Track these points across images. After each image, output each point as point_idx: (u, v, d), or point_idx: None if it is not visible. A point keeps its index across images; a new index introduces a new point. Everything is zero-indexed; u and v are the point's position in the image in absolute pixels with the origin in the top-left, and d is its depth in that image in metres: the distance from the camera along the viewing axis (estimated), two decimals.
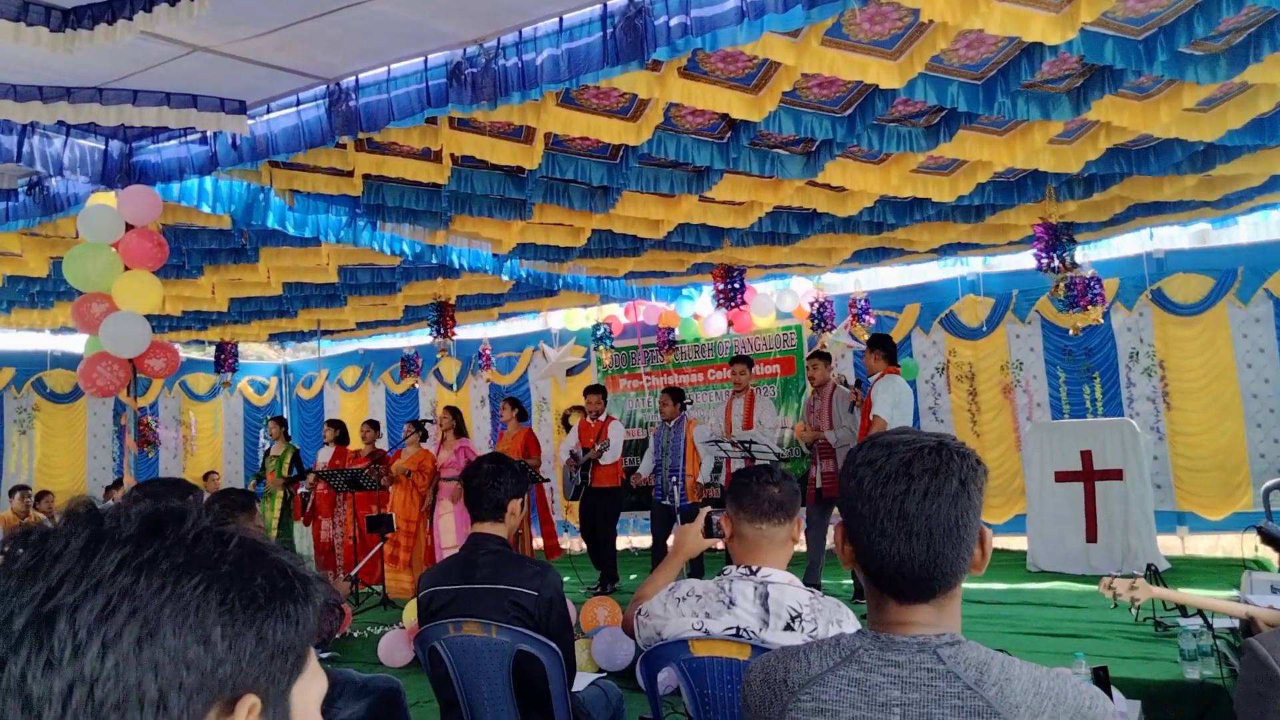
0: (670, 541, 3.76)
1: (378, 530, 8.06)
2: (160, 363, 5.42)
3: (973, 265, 9.70)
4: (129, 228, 5.35)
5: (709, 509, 2.78)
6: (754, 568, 2.43)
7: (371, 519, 8.19)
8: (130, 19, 3.56)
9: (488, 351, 11.49)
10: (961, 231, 7.88)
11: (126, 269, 5.33)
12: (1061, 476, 7.47)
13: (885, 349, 6.45)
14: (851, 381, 9.61)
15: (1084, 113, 5.21)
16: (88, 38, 3.68)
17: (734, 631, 2.38)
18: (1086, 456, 7.37)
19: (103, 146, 5.32)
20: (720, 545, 2.85)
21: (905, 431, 1.40)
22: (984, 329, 9.41)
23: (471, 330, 12.10)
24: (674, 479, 7.55)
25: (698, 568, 7.05)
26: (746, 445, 6.66)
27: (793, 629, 2.35)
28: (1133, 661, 4.65)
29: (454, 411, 8.63)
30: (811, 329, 9.57)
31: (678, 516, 7.57)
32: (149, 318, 5.43)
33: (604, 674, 3.85)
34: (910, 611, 1.35)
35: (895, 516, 1.32)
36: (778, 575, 2.42)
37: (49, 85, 4.46)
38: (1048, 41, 4.20)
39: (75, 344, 11.66)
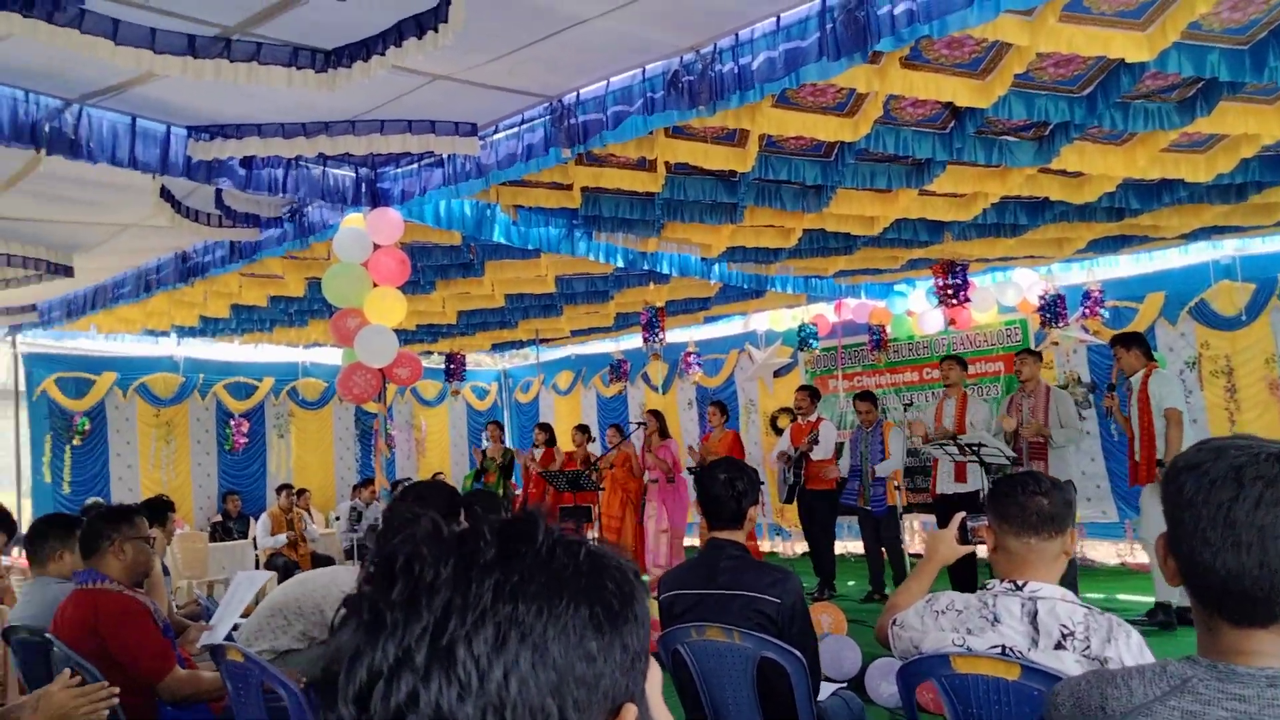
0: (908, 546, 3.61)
1: (573, 519, 8.38)
2: (406, 371, 5.85)
3: (1225, 249, 8.75)
4: (376, 247, 5.82)
5: (964, 514, 2.64)
6: (1020, 582, 2.29)
7: (565, 509, 8.51)
8: (383, 54, 3.86)
9: (690, 356, 11.59)
10: (1218, 213, 7.11)
11: (375, 285, 5.79)
12: None
13: (1142, 345, 6.26)
14: (1086, 380, 8.94)
15: None
16: (346, 75, 4.02)
17: (1000, 650, 2.25)
18: None
19: (353, 174, 5.81)
20: (966, 551, 2.71)
21: (1241, 437, 1.28)
22: (1243, 318, 8.47)
23: (678, 334, 12.26)
24: (865, 483, 7.65)
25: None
26: (975, 448, 6.32)
27: (1064, 648, 2.20)
28: None
29: (657, 415, 8.89)
30: (1041, 323, 8.97)
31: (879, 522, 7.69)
32: None
33: (843, 684, 3.76)
34: (1249, 638, 1.22)
35: (1220, 525, 1.20)
36: (1047, 590, 2.27)
37: (310, 122, 4.92)
38: None
39: (323, 355, 12.87)
